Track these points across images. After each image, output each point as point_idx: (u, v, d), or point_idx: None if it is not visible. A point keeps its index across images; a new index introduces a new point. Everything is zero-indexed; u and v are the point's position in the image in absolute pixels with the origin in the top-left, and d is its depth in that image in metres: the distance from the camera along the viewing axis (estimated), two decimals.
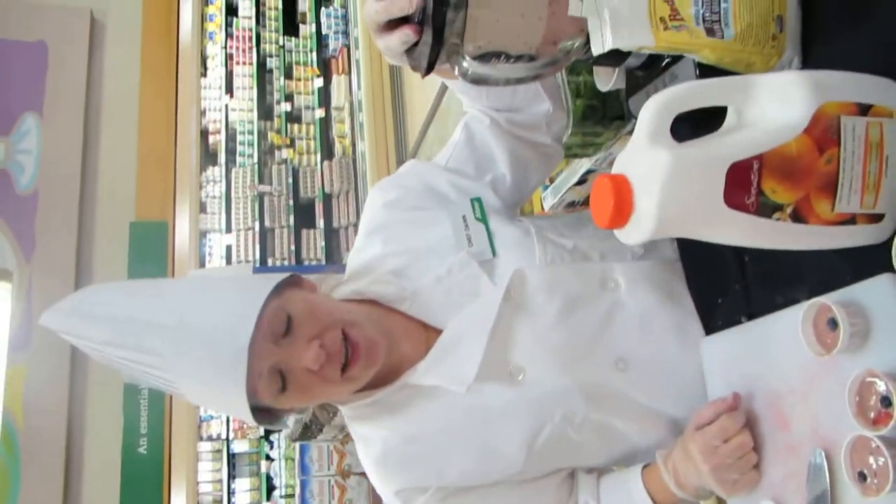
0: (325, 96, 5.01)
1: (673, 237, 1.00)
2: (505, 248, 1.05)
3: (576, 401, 1.00)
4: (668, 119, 0.70)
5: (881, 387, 0.72)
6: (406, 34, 0.82)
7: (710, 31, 0.78)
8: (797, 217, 0.71)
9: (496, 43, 0.85)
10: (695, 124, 0.74)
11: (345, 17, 4.88)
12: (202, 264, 4.65)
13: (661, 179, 0.68)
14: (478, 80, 0.84)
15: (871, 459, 0.72)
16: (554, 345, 1.01)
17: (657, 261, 1.08)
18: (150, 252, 4.26)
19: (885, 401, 0.72)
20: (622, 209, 0.70)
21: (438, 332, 1.03)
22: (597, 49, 0.78)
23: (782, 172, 0.69)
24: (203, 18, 4.85)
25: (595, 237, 1.07)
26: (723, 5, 0.78)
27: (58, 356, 3.74)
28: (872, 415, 0.73)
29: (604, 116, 1.22)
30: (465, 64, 0.83)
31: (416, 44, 0.84)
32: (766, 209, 0.70)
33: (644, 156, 0.70)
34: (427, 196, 1.11)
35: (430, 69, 0.83)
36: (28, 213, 4.17)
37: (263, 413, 0.98)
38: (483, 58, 0.86)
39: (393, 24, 0.82)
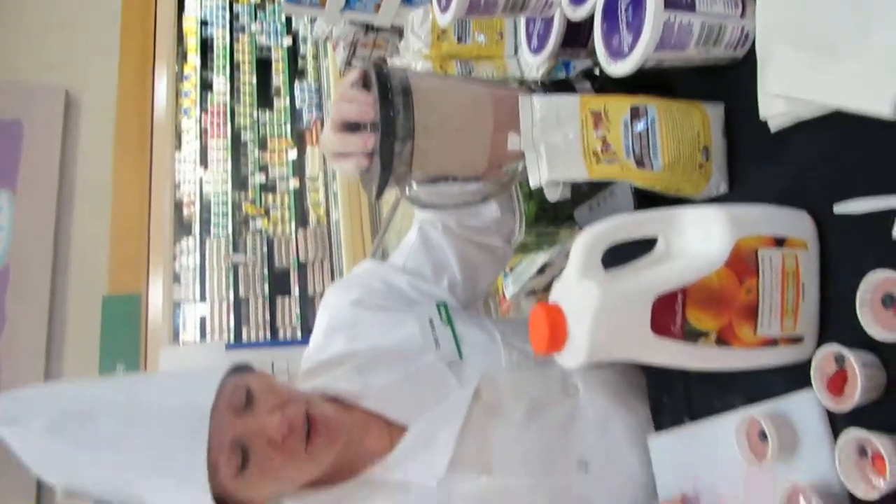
0: (299, 167, 5.09)
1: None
2: (471, 352, 1.09)
3: (541, 500, 1.02)
4: (598, 253, 0.75)
5: (803, 502, 0.76)
6: (359, 162, 0.87)
7: (639, 163, 0.84)
8: (722, 341, 0.76)
9: (443, 169, 0.90)
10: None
11: (318, 91, 4.99)
12: (175, 336, 4.63)
13: (592, 311, 0.73)
14: (425, 206, 0.89)
15: None
16: (522, 445, 1.03)
17: (612, 369, 1.13)
18: (123, 325, 4.24)
19: None
20: (556, 337, 0.75)
21: (401, 429, 1.04)
22: (534, 182, 0.84)
23: (705, 302, 0.74)
24: (178, 94, 4.93)
25: None
26: (651, 139, 0.84)
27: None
28: None
29: (556, 217, 1.28)
30: (412, 191, 0.88)
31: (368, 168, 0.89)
32: (692, 335, 0.75)
33: (576, 287, 0.75)
34: (390, 297, 1.15)
35: (380, 194, 0.88)
36: None
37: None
38: (432, 181, 0.91)
39: (349, 128, 0.87)
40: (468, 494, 1.01)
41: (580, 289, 0.74)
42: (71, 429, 0.91)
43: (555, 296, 0.78)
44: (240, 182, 5.14)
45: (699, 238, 0.77)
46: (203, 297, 5.08)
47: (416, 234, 1.19)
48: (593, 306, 0.72)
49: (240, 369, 0.99)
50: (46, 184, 4.31)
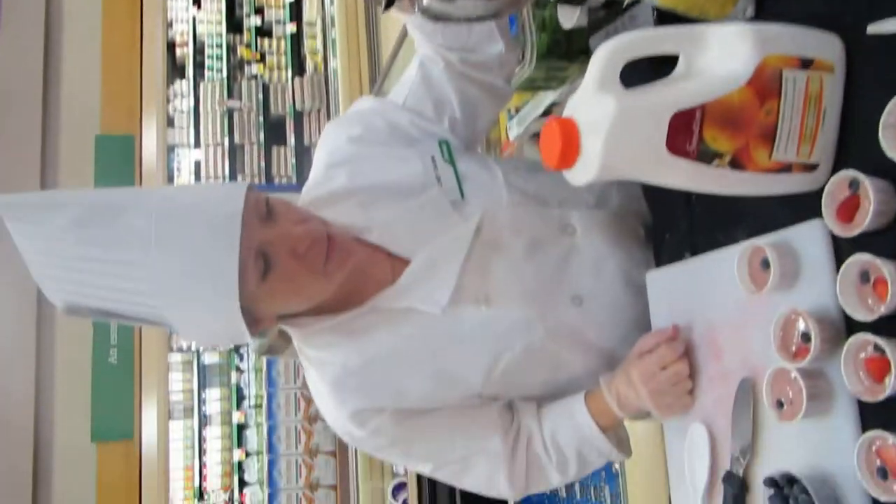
0: (296, 11, 4.90)
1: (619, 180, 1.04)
2: (473, 190, 1.09)
3: (537, 332, 1.05)
4: (617, 66, 0.73)
5: (802, 325, 0.78)
6: None
7: None
8: (736, 164, 0.75)
9: None
10: (654, 64, 0.77)
11: None
12: (171, 179, 4.61)
13: (607, 125, 0.71)
14: (438, 17, 0.85)
15: (789, 389, 0.79)
16: (520, 279, 1.07)
17: (610, 212, 1.14)
18: (118, 166, 4.21)
19: (805, 337, 0.77)
20: (569, 151, 0.74)
21: (404, 262, 1.06)
22: None
23: (723, 122, 0.73)
24: None
25: (553, 184, 1.10)
26: None
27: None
28: (793, 349, 0.79)
29: (568, 51, 1.24)
30: (426, 1, 0.84)
31: None
32: (707, 156, 0.73)
33: (592, 101, 0.73)
34: (392, 135, 1.13)
35: (389, 4, 0.84)
36: None
37: (246, 315, 0.93)
38: None
39: None
40: (469, 324, 1.05)
41: (596, 102, 0.72)
42: (99, 224, 0.88)
43: (569, 110, 0.76)
44: (234, 24, 4.97)
45: (723, 55, 0.74)
46: (198, 143, 5.02)
47: (416, 70, 1.15)
48: (609, 119, 0.71)
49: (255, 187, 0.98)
50: (33, 16, 4.15)
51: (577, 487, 2.17)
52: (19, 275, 0.92)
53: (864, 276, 0.72)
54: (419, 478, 2.74)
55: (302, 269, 0.95)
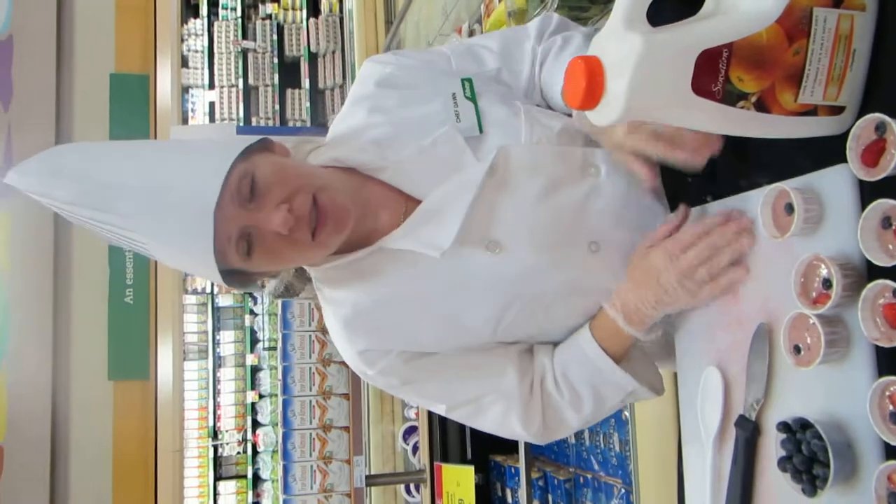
0: None
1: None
2: (492, 127, 1.06)
3: (548, 279, 1.03)
4: (644, 3, 0.71)
5: (824, 271, 0.77)
6: None
7: None
8: (761, 106, 0.74)
9: None
10: (679, 6, 0.75)
11: None
12: (185, 120, 4.60)
13: (633, 63, 0.70)
14: None
15: (807, 335, 0.79)
16: (533, 223, 1.03)
17: None
18: (132, 105, 4.20)
19: (826, 283, 0.77)
20: (593, 91, 0.73)
21: (418, 202, 1.04)
22: None
23: (750, 61, 0.71)
24: None
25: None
26: None
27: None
28: (814, 295, 0.79)
29: None
30: None
31: None
32: (732, 97, 0.72)
33: (618, 39, 0.71)
34: (421, 74, 1.11)
35: None
36: (4, 59, 4.07)
37: (234, 275, 1.00)
38: None
39: None
40: (475, 269, 1.03)
41: (622, 40, 0.71)
42: (91, 207, 0.95)
43: (594, 48, 0.74)
44: None
45: None
46: (212, 84, 4.99)
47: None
48: (635, 58, 0.69)
49: (250, 150, 0.97)
50: None
51: (585, 434, 2.19)
52: (36, 214, 0.98)
53: (886, 222, 0.71)
54: (430, 422, 2.78)
55: (288, 245, 0.96)
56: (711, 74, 0.71)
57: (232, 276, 0.99)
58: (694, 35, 0.70)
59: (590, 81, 0.72)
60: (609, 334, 1.03)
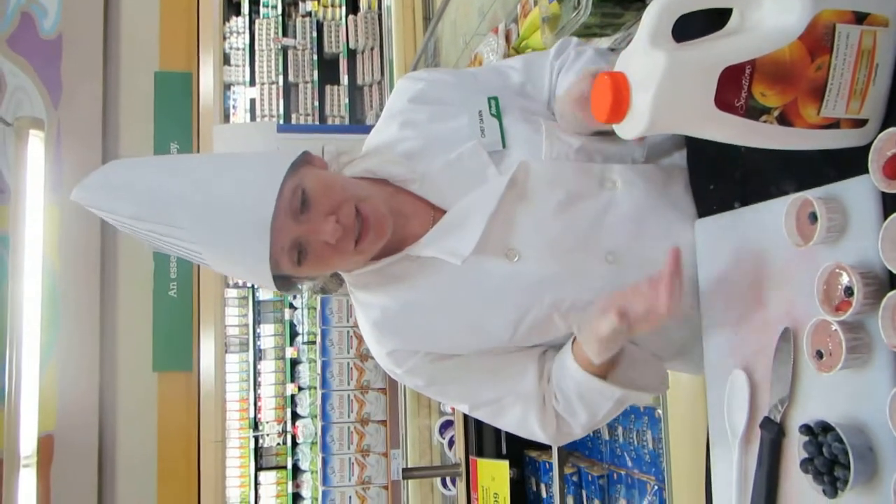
0: None
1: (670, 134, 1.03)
2: (515, 142, 1.11)
3: (565, 287, 1.08)
4: (669, 21, 0.74)
5: (846, 279, 0.79)
6: None
7: None
8: (783, 120, 0.76)
9: None
10: (707, 19, 0.77)
11: None
12: (227, 117, 4.69)
13: (657, 79, 0.72)
14: None
15: (829, 341, 0.81)
16: (551, 233, 1.08)
17: (656, 165, 1.14)
18: (176, 102, 4.29)
19: (848, 291, 0.79)
20: (619, 105, 0.75)
21: (444, 212, 1.10)
22: None
23: (773, 77, 0.73)
24: None
25: (600, 140, 1.11)
26: None
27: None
28: (836, 302, 0.81)
29: None
30: None
31: None
32: (755, 112, 0.74)
33: (644, 55, 0.74)
34: (451, 91, 1.17)
35: None
36: (54, 58, 4.19)
37: (282, 280, 1.07)
38: None
39: None
40: (494, 277, 1.08)
41: (647, 57, 0.74)
42: (151, 221, 1.02)
43: (620, 64, 0.77)
44: None
45: (777, 9, 0.74)
46: (253, 81, 5.08)
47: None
48: (659, 73, 0.72)
49: (296, 163, 1.03)
50: None
51: (619, 431, 2.21)
52: (83, 209, 1.05)
53: None
54: (466, 417, 2.81)
55: (334, 253, 1.03)
56: (734, 90, 0.73)
57: (280, 280, 1.06)
58: (717, 52, 0.73)
59: (616, 96, 0.75)
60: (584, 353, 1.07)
